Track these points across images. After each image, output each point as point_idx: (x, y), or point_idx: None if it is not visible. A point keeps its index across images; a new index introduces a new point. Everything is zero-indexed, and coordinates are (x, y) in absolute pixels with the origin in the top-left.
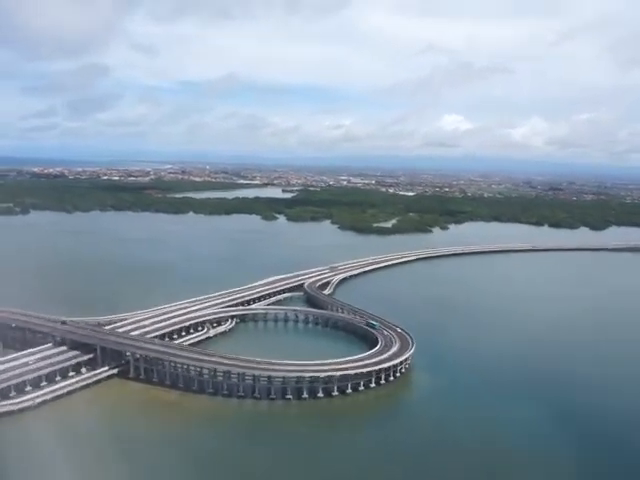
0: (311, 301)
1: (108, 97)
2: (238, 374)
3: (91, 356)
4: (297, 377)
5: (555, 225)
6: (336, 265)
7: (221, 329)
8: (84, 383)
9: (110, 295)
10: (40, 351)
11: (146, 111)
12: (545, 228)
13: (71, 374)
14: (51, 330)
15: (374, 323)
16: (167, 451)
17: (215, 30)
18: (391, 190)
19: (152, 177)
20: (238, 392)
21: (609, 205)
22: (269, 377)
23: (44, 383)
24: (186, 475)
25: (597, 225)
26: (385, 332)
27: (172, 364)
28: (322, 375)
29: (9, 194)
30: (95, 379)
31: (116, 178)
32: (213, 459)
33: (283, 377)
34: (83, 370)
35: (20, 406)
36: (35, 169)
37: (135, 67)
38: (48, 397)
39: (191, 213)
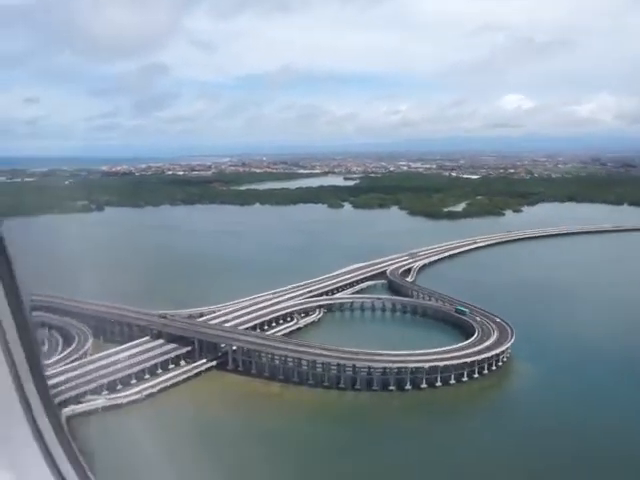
0: (394, 288)
1: (167, 95)
2: (338, 365)
3: (189, 349)
4: (399, 368)
5: (636, 204)
6: (415, 251)
7: (310, 319)
8: (185, 376)
9: (195, 288)
10: (139, 344)
11: (203, 107)
12: (625, 207)
13: (171, 367)
14: (148, 324)
15: (464, 309)
16: (273, 444)
17: (272, 23)
18: (454, 174)
19: (214, 171)
20: (338, 383)
21: None
22: (369, 368)
23: (147, 376)
24: (296, 469)
25: None
26: (478, 319)
27: (270, 356)
28: (426, 366)
29: (83, 192)
30: (195, 371)
31: (180, 173)
32: (323, 451)
33: (384, 368)
34: (182, 363)
35: (129, 399)
36: (103, 168)
37: (193, 64)
38: (155, 389)
39: (257, 204)
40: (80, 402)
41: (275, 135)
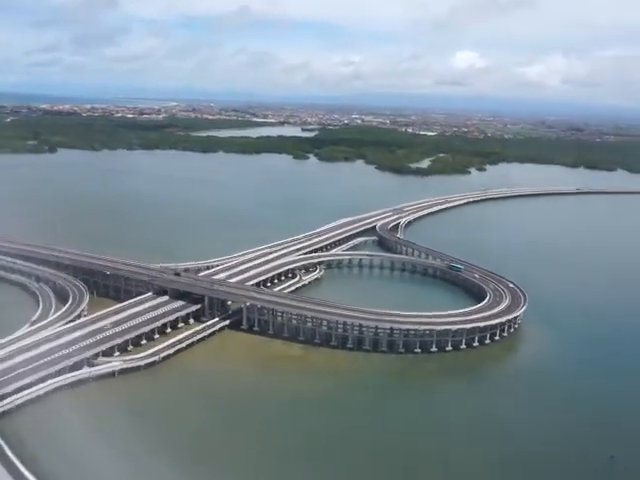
0: (386, 245)
1: (113, 31)
2: (360, 326)
3: (198, 307)
4: (426, 330)
5: (592, 167)
6: (399, 207)
7: (313, 276)
8: (200, 336)
9: (183, 241)
10: (143, 301)
11: (151, 46)
12: (582, 170)
13: (180, 325)
14: (150, 279)
15: (458, 266)
16: (309, 409)
17: None
18: (409, 130)
19: (165, 115)
20: (361, 345)
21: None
22: (391, 330)
23: (156, 336)
24: (332, 432)
25: (636, 167)
26: (477, 276)
27: (288, 315)
28: (454, 328)
29: (29, 131)
30: (209, 331)
31: (130, 116)
32: (356, 414)
33: (407, 330)
34: (191, 322)
35: (145, 361)
36: (44, 106)
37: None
38: (171, 351)
39: (220, 152)
40: (94, 365)
41: (224, 81)
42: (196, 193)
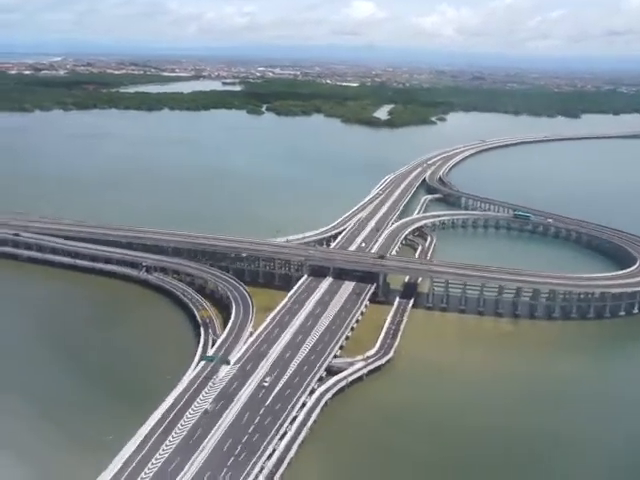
0: (450, 201)
1: None
2: (565, 294)
3: (374, 286)
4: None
5: (534, 114)
6: (423, 160)
7: (430, 242)
8: (404, 320)
9: (261, 211)
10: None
11: None
12: (522, 117)
13: (363, 310)
14: (306, 258)
15: (526, 214)
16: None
17: None
18: (328, 81)
19: (66, 71)
20: (568, 314)
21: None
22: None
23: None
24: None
25: (574, 113)
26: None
27: (481, 288)
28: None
29: None
30: (405, 314)
31: (27, 73)
32: None
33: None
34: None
35: (384, 359)
36: None
37: None
38: (395, 342)
39: (166, 109)
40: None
41: (110, 34)
42: (208, 157)
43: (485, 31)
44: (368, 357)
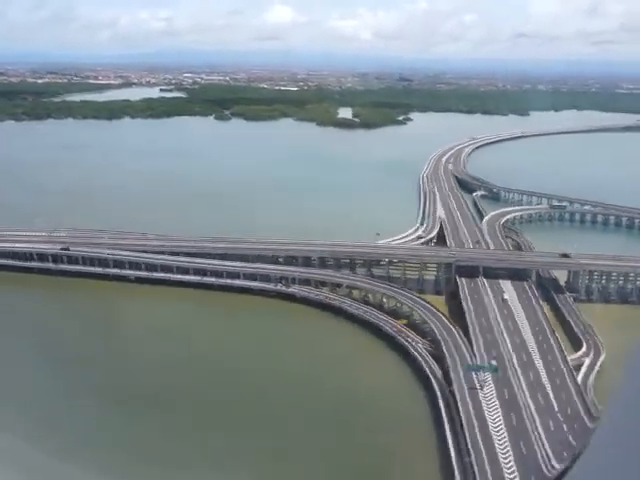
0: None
1: None
2: None
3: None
4: None
5: (487, 113)
6: (433, 156)
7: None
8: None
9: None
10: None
11: None
12: (479, 116)
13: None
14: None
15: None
16: None
17: None
18: (265, 86)
19: None
20: None
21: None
22: None
23: None
24: None
25: (522, 111)
26: None
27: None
28: None
29: None
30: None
31: None
32: None
33: None
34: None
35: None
36: None
37: None
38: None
39: (126, 118)
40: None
41: (14, 40)
42: (225, 167)
43: (402, 35)
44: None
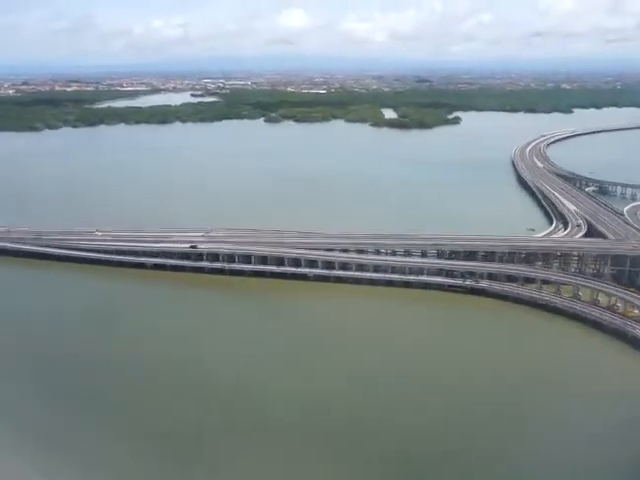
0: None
1: None
2: None
3: None
4: None
5: (530, 111)
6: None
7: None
8: None
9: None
10: None
11: None
12: (522, 114)
13: None
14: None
15: None
16: None
17: None
18: (292, 89)
19: (14, 90)
20: None
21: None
22: None
23: None
24: None
25: (565, 109)
26: None
27: None
28: None
29: None
30: None
31: None
32: None
33: None
34: None
35: None
36: None
37: None
38: None
39: (177, 122)
40: None
41: (33, 51)
42: (320, 166)
43: (416, 36)
44: None
